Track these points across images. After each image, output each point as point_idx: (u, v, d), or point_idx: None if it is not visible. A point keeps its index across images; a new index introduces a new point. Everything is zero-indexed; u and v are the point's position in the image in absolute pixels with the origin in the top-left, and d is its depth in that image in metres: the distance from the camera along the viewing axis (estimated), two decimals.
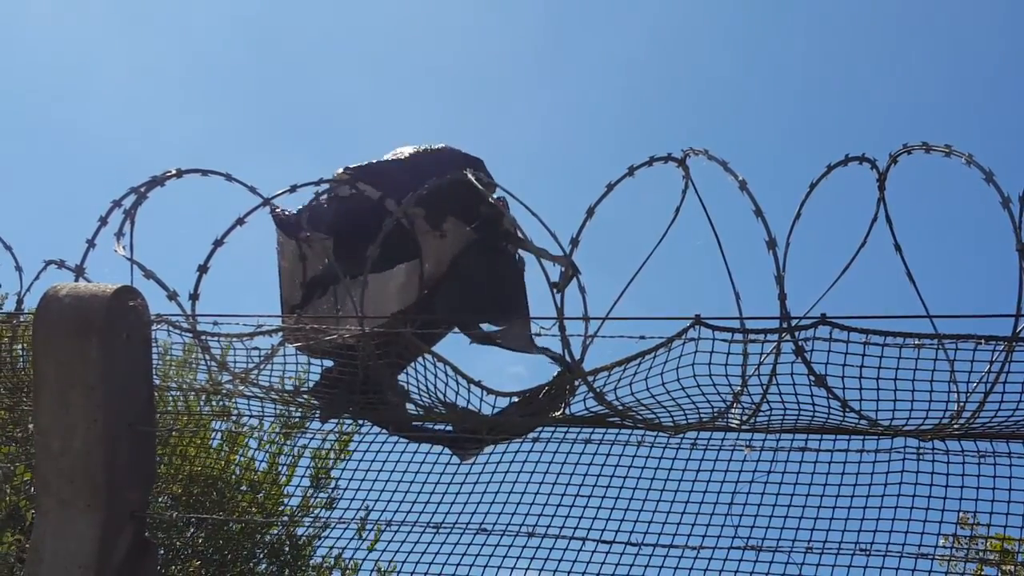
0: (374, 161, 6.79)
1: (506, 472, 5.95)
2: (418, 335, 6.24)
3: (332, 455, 8.67)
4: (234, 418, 6.88)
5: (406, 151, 6.81)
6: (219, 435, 7.48)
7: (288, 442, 8.06)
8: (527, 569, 5.37)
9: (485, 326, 6.72)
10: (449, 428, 6.34)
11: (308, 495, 8.58)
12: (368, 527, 5.99)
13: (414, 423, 6.39)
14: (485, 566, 5.46)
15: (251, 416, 6.71)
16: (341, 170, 6.77)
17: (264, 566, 8.24)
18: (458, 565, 5.47)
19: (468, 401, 6.08)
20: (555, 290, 6.10)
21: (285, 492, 8.33)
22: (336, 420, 6.48)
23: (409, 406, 6.36)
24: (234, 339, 6.15)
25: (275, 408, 6.51)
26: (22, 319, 6.75)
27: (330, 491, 8.64)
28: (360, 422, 6.47)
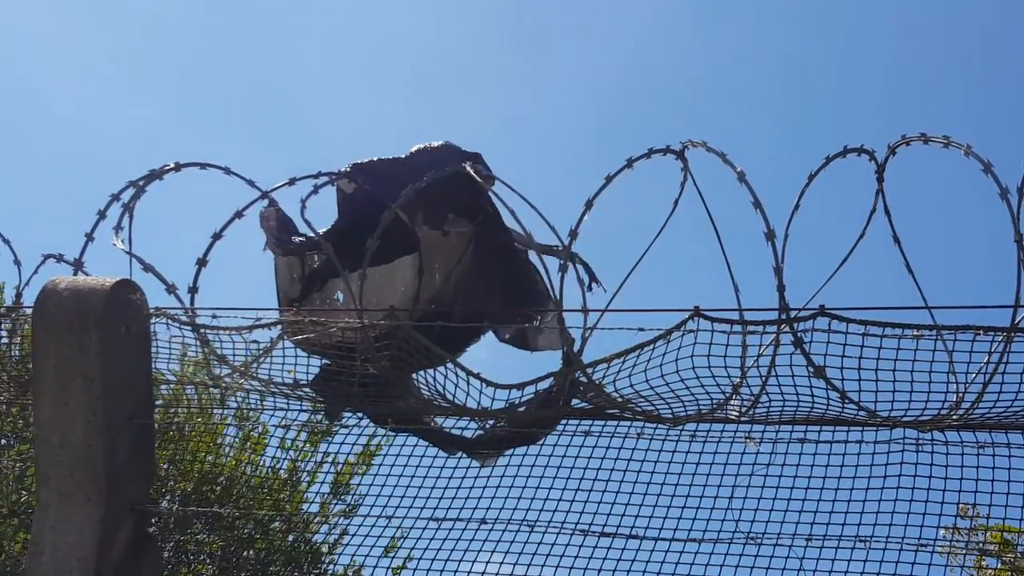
0: (374, 159, 6.80)
1: (505, 466, 5.97)
2: (445, 338, 6.27)
3: (354, 463, 8.64)
4: (243, 412, 6.88)
5: (412, 150, 6.83)
6: (228, 431, 7.47)
7: (298, 439, 8.06)
8: (529, 565, 5.38)
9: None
10: (459, 427, 6.34)
11: (326, 502, 8.56)
12: (379, 524, 6.00)
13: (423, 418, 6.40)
14: (487, 562, 5.47)
15: (252, 409, 6.70)
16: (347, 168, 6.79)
17: (276, 568, 8.22)
18: (460, 561, 5.48)
19: (467, 393, 6.09)
20: (587, 288, 6.23)
21: (302, 496, 8.32)
22: (352, 423, 6.48)
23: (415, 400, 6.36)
24: (233, 332, 6.15)
25: (284, 402, 6.50)
26: (21, 313, 6.74)
27: (350, 497, 8.60)
28: (360, 415, 6.47)
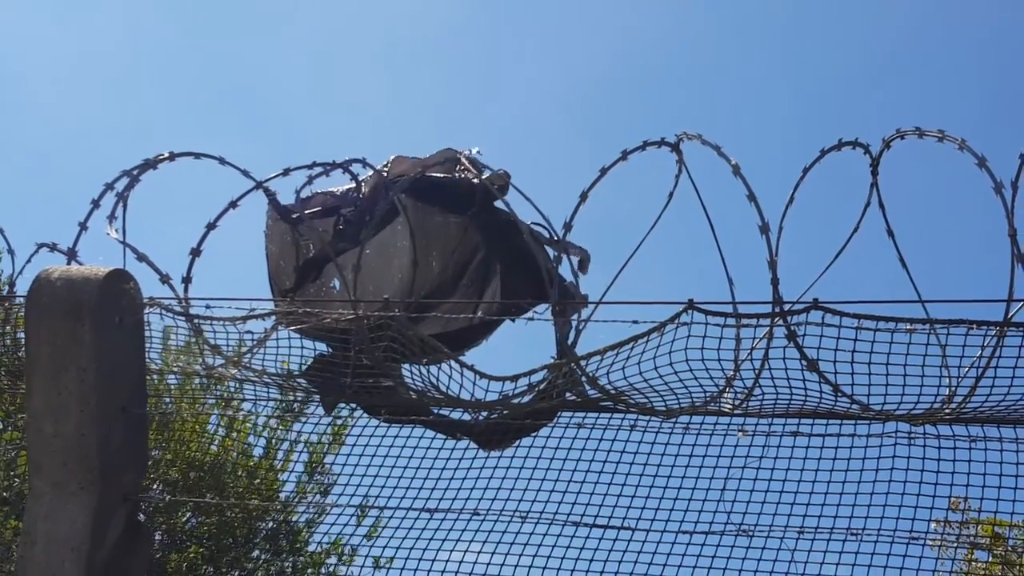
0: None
1: (498, 457, 5.97)
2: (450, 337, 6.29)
3: (326, 442, 8.65)
4: (234, 404, 6.88)
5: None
6: (215, 419, 7.46)
7: (282, 427, 8.06)
8: (520, 555, 5.39)
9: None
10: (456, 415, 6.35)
11: (303, 481, 8.57)
12: (364, 513, 6.01)
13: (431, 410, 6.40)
14: (479, 552, 5.48)
15: (244, 399, 6.71)
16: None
17: (257, 552, 8.24)
18: (451, 551, 5.49)
19: (461, 385, 6.09)
20: (580, 273, 6.22)
21: (280, 479, 8.33)
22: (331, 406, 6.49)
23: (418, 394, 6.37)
24: (227, 323, 6.14)
25: (268, 393, 6.51)
26: (14, 302, 6.73)
27: (326, 478, 8.62)
28: (353, 408, 6.48)
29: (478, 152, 6.69)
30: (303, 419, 6.80)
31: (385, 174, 6.71)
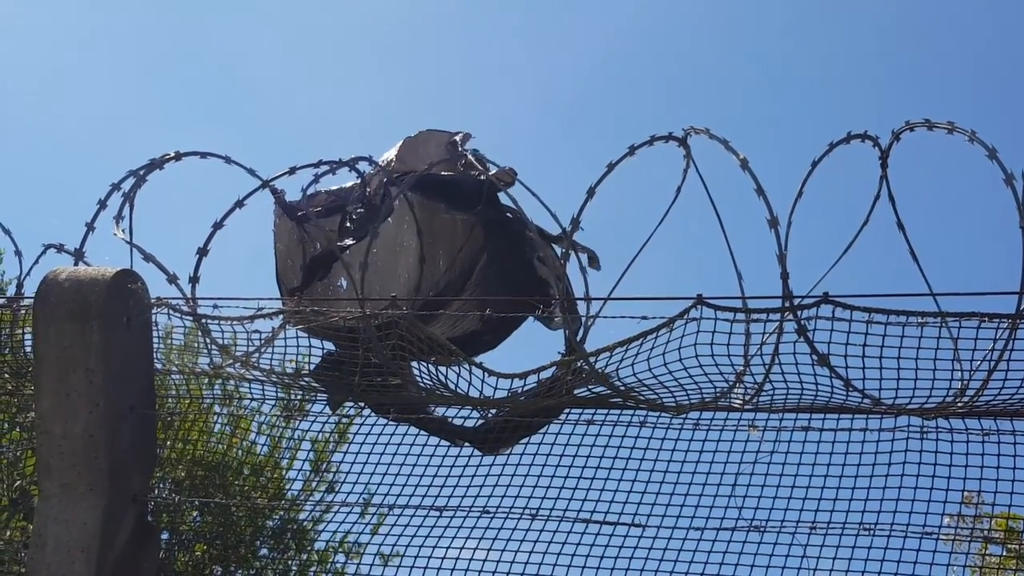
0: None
1: (508, 454, 5.96)
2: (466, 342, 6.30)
3: (332, 440, 8.65)
4: (236, 402, 6.87)
5: (390, 154, 6.83)
6: (221, 418, 7.46)
7: (289, 426, 8.05)
8: (531, 552, 5.38)
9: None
10: (461, 416, 6.34)
11: (309, 479, 8.57)
12: (371, 511, 6.01)
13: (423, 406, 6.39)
14: (489, 549, 5.47)
15: (252, 399, 6.71)
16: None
17: (265, 551, 8.23)
18: (461, 549, 5.49)
19: (469, 383, 6.07)
20: (588, 270, 6.23)
21: (287, 477, 8.32)
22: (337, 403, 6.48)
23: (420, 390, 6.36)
24: (235, 322, 6.13)
25: (276, 391, 6.50)
26: (22, 303, 6.72)
27: (332, 475, 8.61)
28: (361, 406, 6.47)
29: (472, 141, 6.68)
30: (310, 418, 6.78)
31: (390, 168, 6.70)
